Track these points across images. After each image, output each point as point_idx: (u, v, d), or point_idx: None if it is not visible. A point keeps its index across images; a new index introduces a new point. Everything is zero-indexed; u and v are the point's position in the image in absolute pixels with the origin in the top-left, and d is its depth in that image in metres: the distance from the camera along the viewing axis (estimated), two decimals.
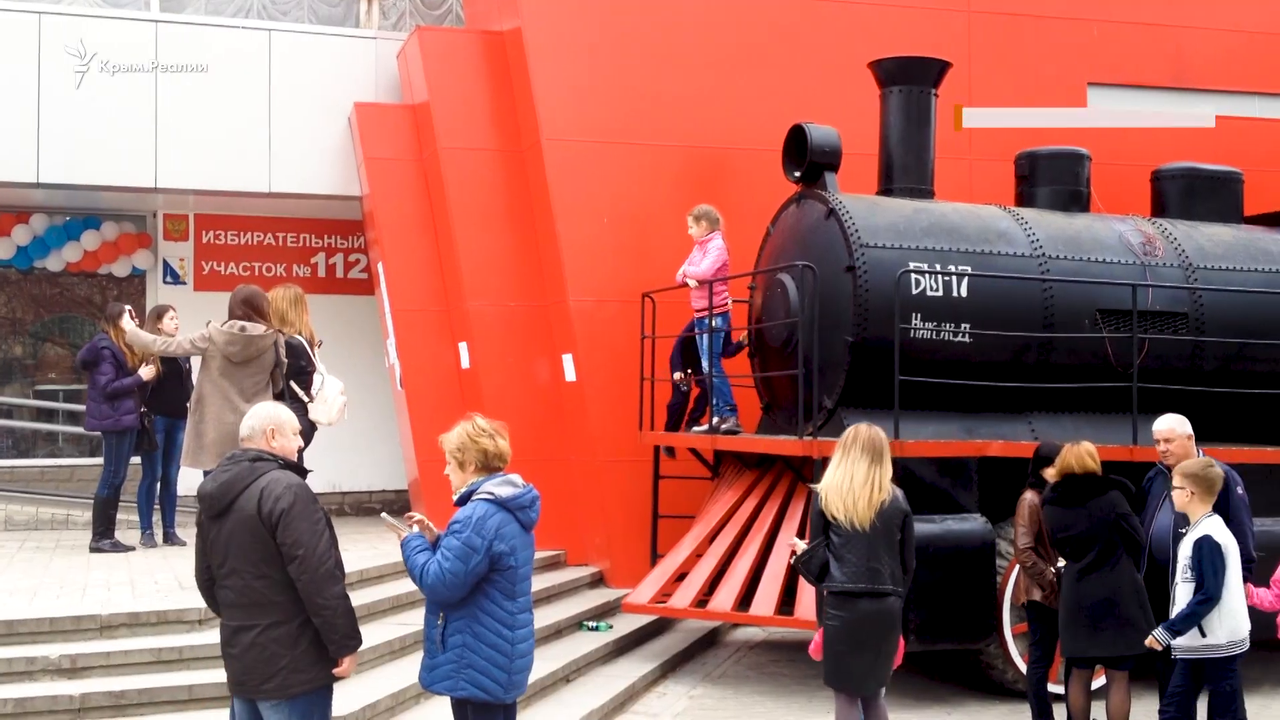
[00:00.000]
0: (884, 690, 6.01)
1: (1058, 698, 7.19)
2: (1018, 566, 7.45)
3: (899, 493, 6.01)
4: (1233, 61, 12.60)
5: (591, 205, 10.81)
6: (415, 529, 4.89)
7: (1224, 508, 6.98)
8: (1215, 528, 6.27)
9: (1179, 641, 6.20)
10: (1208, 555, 6.14)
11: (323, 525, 4.57)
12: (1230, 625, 6.19)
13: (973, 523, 7.98)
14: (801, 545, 6.19)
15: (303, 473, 4.73)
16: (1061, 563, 6.95)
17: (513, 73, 11.27)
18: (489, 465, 4.91)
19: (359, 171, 12.02)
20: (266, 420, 4.72)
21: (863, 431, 5.99)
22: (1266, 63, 12.67)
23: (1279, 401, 9.23)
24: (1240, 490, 7.12)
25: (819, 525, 5.96)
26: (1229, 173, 10.09)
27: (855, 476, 5.85)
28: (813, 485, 6.10)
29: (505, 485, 4.87)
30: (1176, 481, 6.40)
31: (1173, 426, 7.31)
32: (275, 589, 4.53)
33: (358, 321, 13.00)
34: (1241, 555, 6.91)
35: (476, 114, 11.29)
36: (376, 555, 9.12)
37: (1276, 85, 12.60)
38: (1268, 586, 6.86)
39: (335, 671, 4.63)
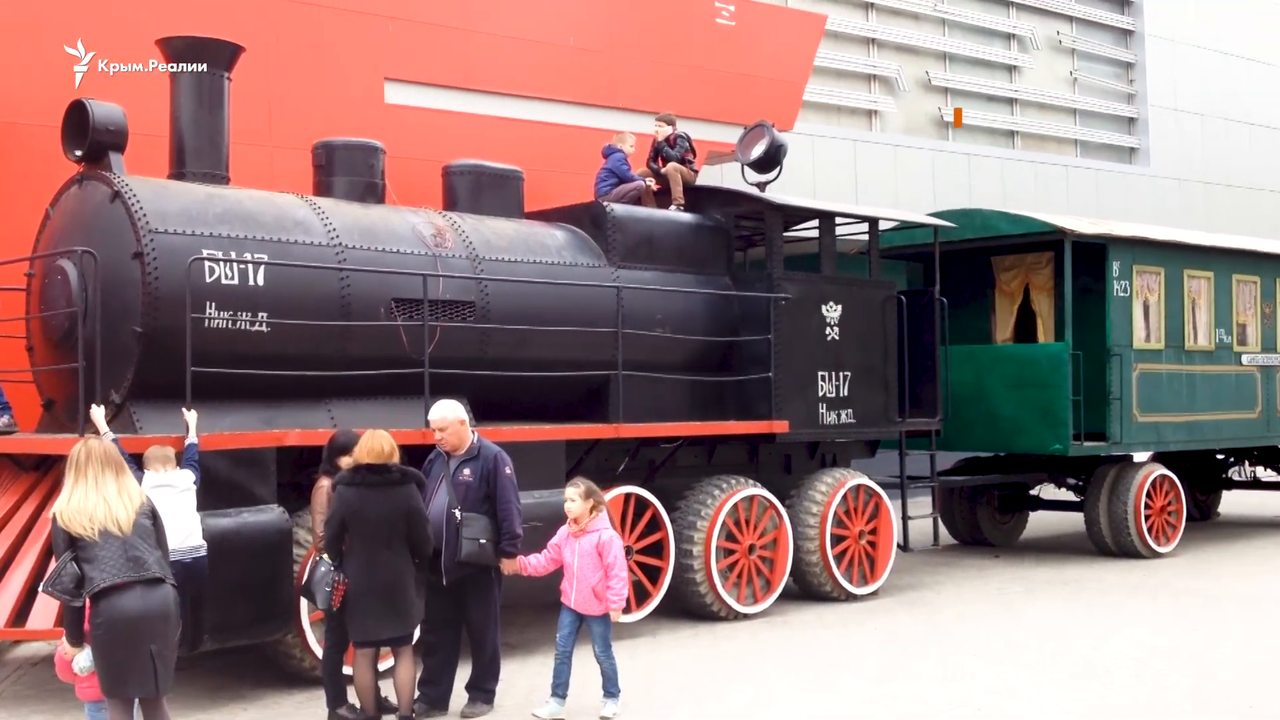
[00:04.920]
0: (165, 694, 5.77)
1: (351, 680, 7.34)
2: (314, 556, 7.51)
3: (145, 496, 5.90)
4: (518, 67, 13.56)
5: None
6: None
7: (493, 487, 7.54)
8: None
9: None
10: None
11: None
12: None
13: (269, 514, 7.90)
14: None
15: None
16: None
17: None
18: None
19: None
20: None
21: (95, 448, 5.75)
22: (546, 70, 13.78)
23: (555, 383, 10.05)
24: (509, 470, 7.66)
25: (63, 543, 5.59)
26: (511, 171, 10.81)
27: (104, 491, 5.61)
28: (52, 511, 5.71)
29: None
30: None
31: (444, 415, 7.72)
32: None
33: None
34: (506, 532, 7.51)
35: None
36: None
37: (554, 91, 13.75)
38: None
39: None
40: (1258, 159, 27.33)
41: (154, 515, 5.83)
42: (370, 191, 9.81)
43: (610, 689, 7.49)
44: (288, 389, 8.62)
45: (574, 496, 7.46)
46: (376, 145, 9.98)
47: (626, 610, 9.84)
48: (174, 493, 7.17)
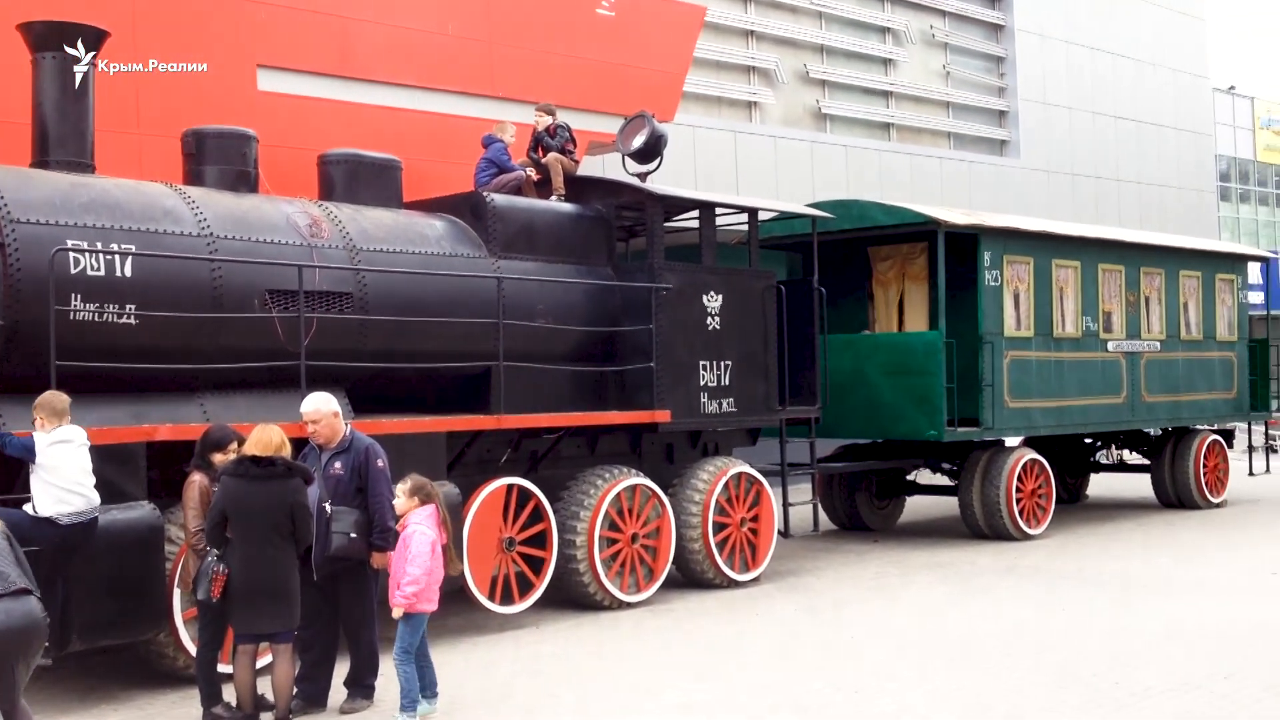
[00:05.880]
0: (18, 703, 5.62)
1: (227, 678, 7.21)
2: (188, 551, 7.36)
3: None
4: (395, 55, 13.39)
5: None
6: None
7: (365, 480, 7.42)
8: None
9: None
10: None
11: None
12: None
13: (140, 510, 7.69)
14: None
15: None
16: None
17: None
18: None
19: None
20: None
21: None
22: (425, 58, 13.64)
23: (436, 374, 9.96)
24: (381, 463, 7.54)
25: None
26: (389, 160, 10.66)
27: None
28: None
29: None
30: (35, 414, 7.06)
31: (317, 407, 7.61)
32: None
33: None
34: (377, 526, 7.38)
35: None
36: None
37: (433, 80, 13.61)
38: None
39: None
40: (1123, 151, 28.26)
41: (9, 538, 5.71)
42: (243, 180, 9.59)
43: (405, 701, 7.03)
44: (158, 382, 8.43)
45: (400, 492, 7.26)
46: (249, 133, 9.77)
47: (509, 601, 9.82)
48: (73, 448, 7.08)
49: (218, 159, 9.54)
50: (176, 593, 7.82)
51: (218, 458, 7.33)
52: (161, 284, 8.38)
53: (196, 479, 7.30)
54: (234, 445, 7.36)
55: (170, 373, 8.41)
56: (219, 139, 9.63)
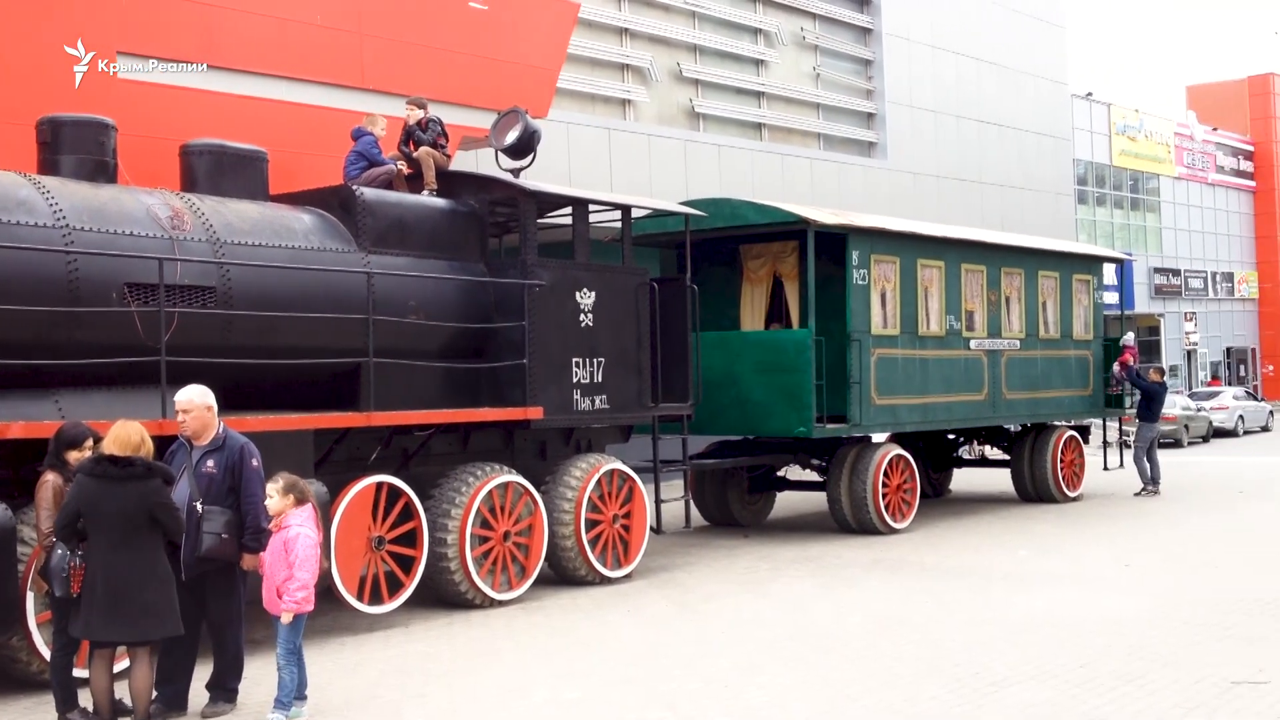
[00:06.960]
0: None
1: (83, 682, 6.98)
2: (41, 553, 7.10)
3: None
4: (262, 44, 13.11)
5: None
6: None
7: (238, 479, 7.25)
8: None
9: None
10: None
11: None
12: None
13: None
14: None
15: None
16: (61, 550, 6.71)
17: None
18: None
19: None
20: None
21: None
22: (293, 48, 13.37)
23: (305, 371, 9.78)
24: (255, 463, 7.37)
25: None
26: (255, 151, 10.42)
27: None
28: None
29: None
30: None
31: (191, 398, 7.42)
32: None
33: None
34: (249, 527, 7.22)
35: None
36: None
37: (301, 70, 13.36)
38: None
39: None
40: (985, 155, 29.02)
41: None
42: (100, 171, 9.31)
43: (282, 698, 6.98)
44: (10, 378, 8.15)
45: (272, 492, 7.13)
46: (108, 122, 9.49)
47: (378, 601, 9.69)
48: None
49: (75, 148, 9.25)
50: (30, 595, 7.56)
51: (73, 456, 7.09)
52: (14, 277, 8.10)
53: (50, 478, 7.05)
54: (90, 443, 7.12)
55: (23, 368, 8.14)
56: (76, 127, 9.33)
